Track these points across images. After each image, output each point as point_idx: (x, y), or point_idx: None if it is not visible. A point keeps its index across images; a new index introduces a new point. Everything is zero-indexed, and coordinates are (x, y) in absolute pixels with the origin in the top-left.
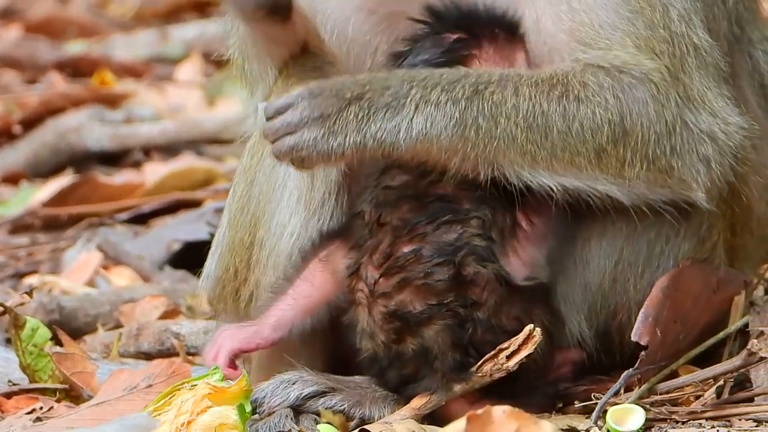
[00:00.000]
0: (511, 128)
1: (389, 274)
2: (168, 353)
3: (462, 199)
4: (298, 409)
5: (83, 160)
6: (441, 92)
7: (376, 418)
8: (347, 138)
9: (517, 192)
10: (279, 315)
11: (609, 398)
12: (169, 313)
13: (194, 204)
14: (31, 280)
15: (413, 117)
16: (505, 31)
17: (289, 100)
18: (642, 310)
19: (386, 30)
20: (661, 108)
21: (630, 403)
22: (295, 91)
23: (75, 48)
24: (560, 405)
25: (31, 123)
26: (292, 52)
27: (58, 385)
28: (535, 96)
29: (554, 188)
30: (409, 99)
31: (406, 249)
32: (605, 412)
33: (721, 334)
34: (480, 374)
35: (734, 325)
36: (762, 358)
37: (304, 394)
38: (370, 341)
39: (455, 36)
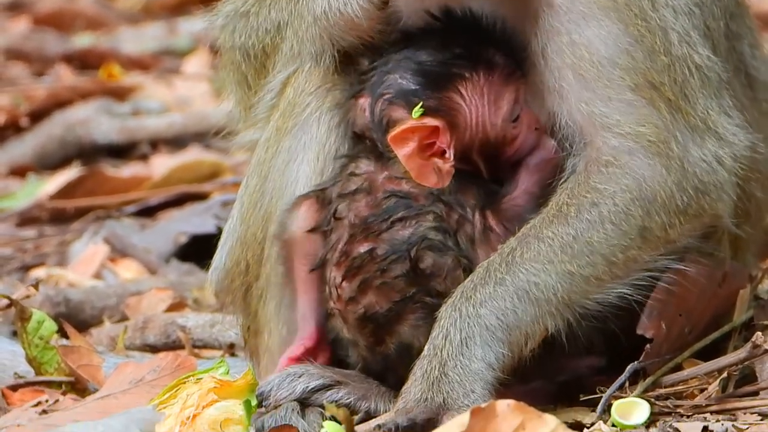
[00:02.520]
0: (563, 268)
1: (350, 277)
2: (174, 346)
3: (417, 196)
4: (304, 402)
5: (90, 153)
6: (483, 287)
7: (381, 411)
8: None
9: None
10: (300, 313)
11: (614, 392)
12: (175, 306)
13: (201, 197)
14: (38, 273)
15: (488, 319)
16: (507, 66)
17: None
18: (647, 304)
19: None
20: (667, 159)
21: (635, 396)
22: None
23: (83, 41)
24: (566, 399)
25: (38, 116)
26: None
27: (64, 378)
28: (557, 230)
29: (630, 293)
30: (469, 315)
31: (362, 249)
32: (610, 405)
33: (726, 328)
34: None
35: (739, 318)
36: (767, 351)
37: (310, 387)
38: (356, 350)
39: (458, 50)
